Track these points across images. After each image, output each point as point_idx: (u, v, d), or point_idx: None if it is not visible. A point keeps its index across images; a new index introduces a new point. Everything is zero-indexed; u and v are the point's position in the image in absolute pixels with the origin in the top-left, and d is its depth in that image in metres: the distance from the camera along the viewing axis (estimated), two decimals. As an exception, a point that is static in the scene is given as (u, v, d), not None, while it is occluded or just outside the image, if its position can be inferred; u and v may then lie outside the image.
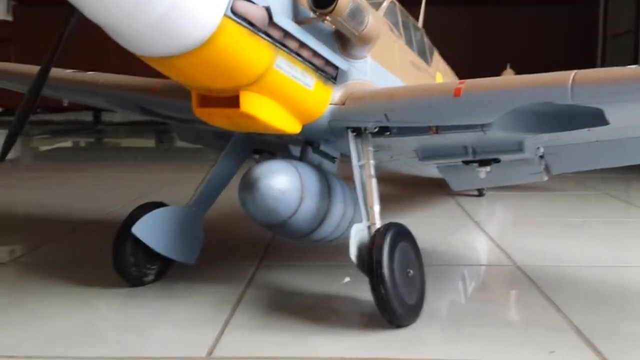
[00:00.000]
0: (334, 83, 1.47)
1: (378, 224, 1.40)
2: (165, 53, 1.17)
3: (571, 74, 1.27)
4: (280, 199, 1.41)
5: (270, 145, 1.78)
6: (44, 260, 1.88)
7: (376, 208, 1.43)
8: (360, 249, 1.34)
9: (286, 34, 1.28)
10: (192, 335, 1.29)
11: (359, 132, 1.50)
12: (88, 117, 8.43)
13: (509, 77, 1.38)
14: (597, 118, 1.37)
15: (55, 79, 1.86)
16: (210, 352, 1.20)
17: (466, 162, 1.72)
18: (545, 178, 1.84)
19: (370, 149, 1.49)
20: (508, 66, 2.87)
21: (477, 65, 3.54)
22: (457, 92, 1.37)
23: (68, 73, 1.87)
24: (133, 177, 3.71)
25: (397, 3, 1.86)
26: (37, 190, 3.24)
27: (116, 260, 1.54)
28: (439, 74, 2.22)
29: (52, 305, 1.44)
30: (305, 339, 1.27)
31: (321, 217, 1.51)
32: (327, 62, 1.41)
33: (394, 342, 1.25)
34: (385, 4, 1.80)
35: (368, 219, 1.42)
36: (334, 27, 1.40)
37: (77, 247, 2.02)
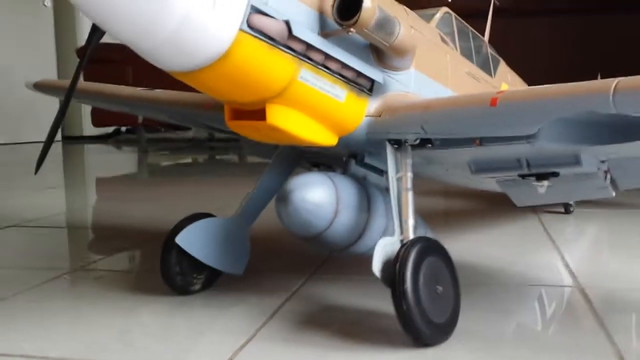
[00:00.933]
0: (370, 95, 1.45)
1: (411, 238, 1.36)
2: (185, 67, 1.20)
3: (614, 81, 1.19)
4: (314, 211, 1.41)
5: (324, 158, 1.78)
6: (113, 267, 1.97)
7: (410, 222, 1.39)
8: (387, 263, 1.31)
9: (309, 46, 1.28)
10: (213, 346, 1.30)
11: (399, 144, 1.47)
12: (204, 134, 8.76)
13: (549, 86, 1.30)
14: None
15: (126, 97, 1.97)
16: (230, 363, 1.21)
17: (522, 176, 1.65)
18: (613, 194, 1.73)
19: (409, 161, 1.46)
20: (599, 76, 2.71)
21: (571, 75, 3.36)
22: (493, 102, 1.32)
23: (137, 91, 1.97)
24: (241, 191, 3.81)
25: (453, 14, 1.82)
26: (144, 202, 3.41)
27: (162, 269, 1.59)
28: (505, 85, 2.14)
29: (98, 312, 1.51)
30: (325, 354, 1.25)
31: (360, 231, 1.49)
32: (360, 74, 1.40)
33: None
34: (438, 15, 1.76)
35: (401, 233, 1.39)
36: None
37: (150, 255, 2.09)
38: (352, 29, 1.28)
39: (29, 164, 5.79)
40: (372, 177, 1.63)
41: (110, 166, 6.16)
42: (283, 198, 1.41)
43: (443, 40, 1.74)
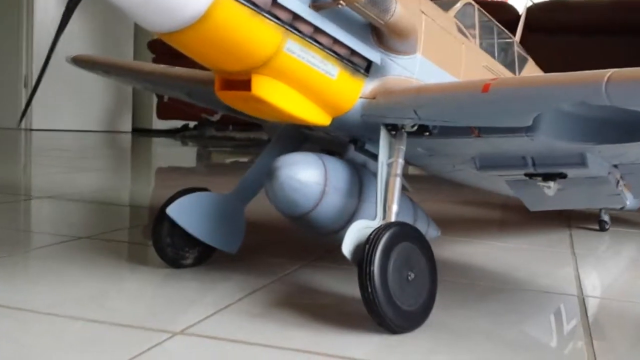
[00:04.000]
0: (366, 76, 1.42)
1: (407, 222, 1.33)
2: (166, 28, 1.19)
3: (608, 72, 1.13)
4: (300, 190, 1.39)
5: (329, 143, 1.75)
6: (122, 239, 2.00)
7: (394, 208, 1.35)
8: (359, 245, 1.27)
9: (296, 16, 1.26)
10: (178, 314, 1.30)
11: (395, 129, 1.44)
12: (264, 135, 8.86)
13: (543, 75, 1.25)
14: None
15: (147, 73, 2.00)
16: (186, 329, 1.20)
17: (529, 176, 1.58)
18: (627, 202, 1.64)
19: (402, 147, 1.42)
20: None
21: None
22: (485, 88, 1.27)
23: (158, 67, 1.99)
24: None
25: (476, 6, 1.77)
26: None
27: (154, 239, 1.60)
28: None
29: (86, 275, 1.53)
30: (285, 331, 1.22)
31: (349, 216, 1.46)
32: (354, 52, 1.37)
33: (371, 344, 1.17)
34: (458, 5, 1.72)
35: (384, 218, 1.35)
36: None
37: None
38: (342, 2, 1.25)
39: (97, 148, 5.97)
40: (373, 164, 1.60)
41: (172, 159, 6.29)
42: (270, 174, 1.40)
43: (460, 30, 1.69)
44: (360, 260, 1.22)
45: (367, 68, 1.42)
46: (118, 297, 1.40)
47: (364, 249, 1.22)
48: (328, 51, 1.33)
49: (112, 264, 1.64)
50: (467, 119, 1.36)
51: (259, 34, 1.23)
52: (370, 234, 1.24)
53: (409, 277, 1.26)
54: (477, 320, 1.37)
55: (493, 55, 1.82)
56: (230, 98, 1.38)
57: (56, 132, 8.14)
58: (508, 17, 3.76)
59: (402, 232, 1.27)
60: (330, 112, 1.42)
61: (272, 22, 1.23)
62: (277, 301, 1.40)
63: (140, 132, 9.67)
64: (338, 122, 1.46)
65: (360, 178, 1.50)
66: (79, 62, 2.31)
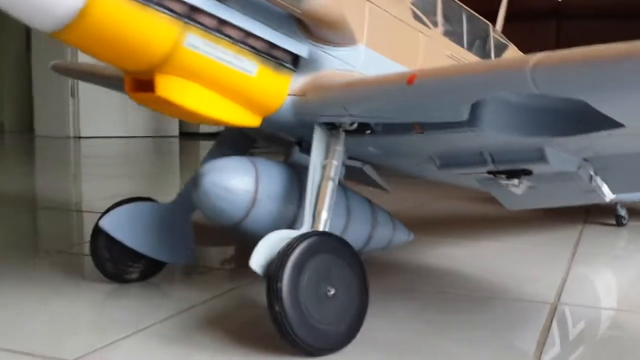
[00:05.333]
0: (294, 71, 1.30)
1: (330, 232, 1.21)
2: (49, 26, 1.09)
3: (533, 56, 0.99)
4: (226, 198, 1.28)
5: (278, 142, 1.63)
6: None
7: (323, 215, 1.23)
8: (270, 259, 1.15)
9: (194, 8, 1.15)
10: (92, 338, 1.20)
11: (334, 127, 1.31)
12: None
13: (471, 63, 1.11)
14: (608, 118, 1.06)
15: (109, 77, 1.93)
16: (81, 357, 1.10)
17: (492, 173, 1.43)
18: (606, 199, 1.46)
19: (339, 148, 1.30)
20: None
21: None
22: (410, 80, 1.13)
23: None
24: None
25: (437, -9, 1.62)
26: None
27: (91, 254, 1.51)
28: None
29: (17, 293, 1.45)
30: (190, 355, 1.12)
31: (287, 224, 1.34)
32: (274, 45, 1.25)
33: None
34: (416, -9, 1.57)
35: (312, 226, 1.22)
36: None
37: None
38: None
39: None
40: None
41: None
42: (195, 182, 1.30)
43: (417, 17, 1.55)
44: (268, 276, 1.10)
45: (294, 62, 1.30)
46: (39, 319, 1.31)
47: (273, 263, 1.10)
48: (242, 45, 1.21)
49: (56, 280, 1.56)
50: (399, 114, 1.22)
51: (150, 29, 1.12)
52: (283, 246, 1.12)
53: (329, 293, 1.13)
54: (419, 333, 1.25)
55: (461, 43, 1.67)
56: (142, 100, 1.27)
57: (104, 139, 8.25)
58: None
59: (321, 243, 1.14)
60: (257, 111, 1.30)
61: (165, 15, 1.12)
62: (207, 321, 1.29)
63: (188, 136, 9.72)
64: (271, 122, 1.34)
65: (303, 183, 1.38)
66: (58, 69, 2.26)
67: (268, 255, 1.14)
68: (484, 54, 1.77)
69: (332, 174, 1.26)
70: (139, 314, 1.33)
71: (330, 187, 1.25)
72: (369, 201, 1.54)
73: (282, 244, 1.13)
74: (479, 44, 1.76)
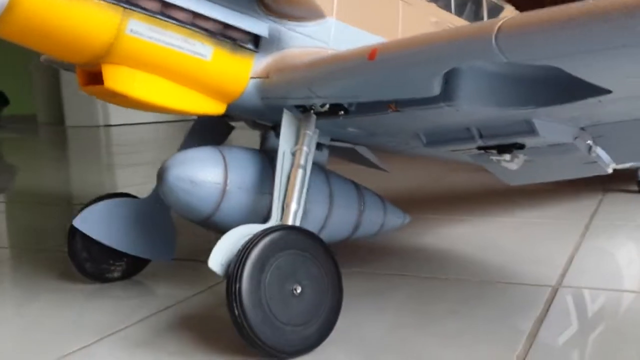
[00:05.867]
0: (255, 52, 1.21)
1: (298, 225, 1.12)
2: None
3: (498, 21, 0.88)
4: (192, 191, 1.21)
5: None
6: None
7: (293, 207, 1.14)
8: (230, 257, 1.07)
9: None
10: (59, 345, 1.14)
11: (305, 110, 1.22)
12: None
13: (435, 32, 1.00)
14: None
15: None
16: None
17: (482, 149, 1.32)
18: (609, 170, 1.34)
19: (310, 132, 1.21)
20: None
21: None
22: (372, 55, 1.04)
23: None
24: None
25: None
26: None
27: (69, 255, 1.46)
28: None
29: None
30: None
31: (263, 217, 1.26)
32: (228, 26, 1.16)
33: None
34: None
35: (280, 219, 1.14)
36: None
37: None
38: None
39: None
40: None
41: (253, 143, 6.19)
42: (159, 176, 1.23)
43: (396, -16, 1.43)
44: (227, 276, 1.03)
45: (255, 42, 1.21)
46: (8, 324, 1.26)
47: (233, 262, 1.03)
48: (191, 28, 1.13)
49: (40, 280, 1.51)
50: (366, 92, 1.13)
51: (87, 18, 1.05)
52: (242, 245, 1.04)
53: (295, 292, 1.04)
54: (399, 327, 1.17)
55: (448, 8, 1.55)
56: (95, 93, 1.20)
57: (133, 126, 8.25)
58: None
59: (285, 239, 1.06)
60: (218, 98, 1.22)
61: (102, 2, 1.04)
62: (180, 323, 1.22)
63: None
64: (237, 108, 1.26)
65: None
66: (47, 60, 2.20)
67: (229, 253, 1.06)
68: (476, 18, 1.65)
69: (302, 161, 1.17)
70: (114, 316, 1.27)
71: (300, 175, 1.16)
72: (356, 185, 1.45)
73: (244, 240, 1.05)
74: (470, 7, 1.64)
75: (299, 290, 1.05)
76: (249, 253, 1.02)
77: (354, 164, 1.75)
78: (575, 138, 1.25)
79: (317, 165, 1.37)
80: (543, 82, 1.05)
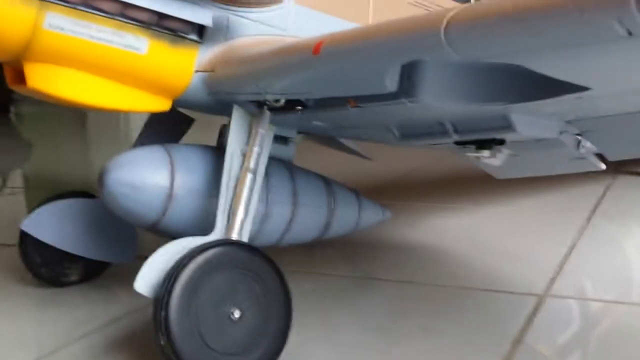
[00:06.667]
0: (199, 43, 1.09)
1: (235, 239, 1.01)
2: None
3: (448, 12, 0.75)
4: (133, 197, 1.10)
5: None
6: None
7: (240, 216, 1.03)
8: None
9: None
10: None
11: (259, 106, 1.10)
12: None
13: (383, 22, 0.87)
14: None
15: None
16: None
17: (459, 144, 1.20)
18: (602, 166, 1.21)
19: (262, 131, 1.08)
20: None
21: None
22: (316, 49, 0.91)
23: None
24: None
25: None
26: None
27: (22, 259, 1.36)
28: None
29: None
30: None
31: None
32: (164, 16, 1.04)
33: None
34: None
35: (225, 230, 1.03)
36: None
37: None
38: None
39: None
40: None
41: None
42: (99, 179, 1.12)
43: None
44: (154, 301, 0.92)
45: (199, 32, 1.08)
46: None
47: (160, 285, 0.92)
48: (121, 19, 1.01)
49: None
50: (306, 87, 1.01)
51: None
52: (171, 265, 0.93)
53: (233, 316, 0.94)
54: (361, 346, 1.06)
55: (428, -16, 1.40)
56: (24, 92, 1.09)
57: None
58: None
59: (223, 256, 0.95)
60: (160, 94, 1.11)
61: None
62: (125, 339, 1.12)
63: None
64: (185, 104, 1.15)
65: None
66: None
67: (160, 272, 0.95)
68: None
69: (251, 164, 1.06)
70: (63, 328, 1.18)
71: (249, 180, 1.05)
72: (325, 181, 1.33)
73: (175, 258, 0.94)
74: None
75: (237, 315, 0.94)
76: (178, 275, 0.91)
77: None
78: (561, 133, 1.12)
79: (280, 162, 1.26)
80: (516, 76, 0.92)
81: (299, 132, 1.34)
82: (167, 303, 0.90)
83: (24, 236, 1.34)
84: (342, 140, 1.61)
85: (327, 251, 1.52)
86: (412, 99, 0.96)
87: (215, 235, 1.03)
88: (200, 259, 0.93)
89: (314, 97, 1.04)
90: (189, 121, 1.39)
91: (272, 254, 1.39)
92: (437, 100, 0.96)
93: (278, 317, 0.97)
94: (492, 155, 1.19)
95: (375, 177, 2.25)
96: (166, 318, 0.89)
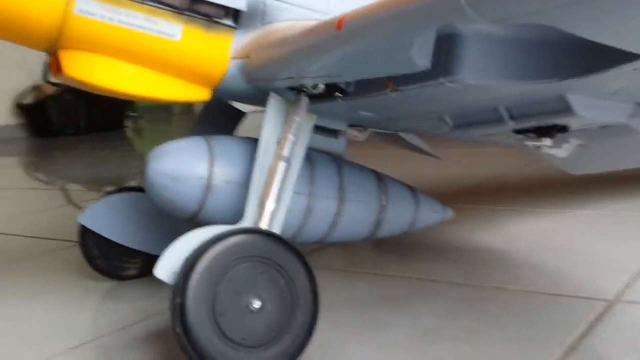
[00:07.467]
0: (235, 28, 1.06)
1: (264, 229, 0.97)
2: None
3: None
4: (172, 188, 1.09)
5: None
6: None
7: (270, 206, 0.98)
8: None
9: None
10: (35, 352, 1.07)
11: (297, 93, 1.06)
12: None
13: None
14: None
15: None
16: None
17: (520, 133, 1.10)
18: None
19: (298, 118, 1.04)
20: None
21: None
22: (339, 25, 0.86)
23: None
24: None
25: None
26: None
27: (82, 252, 1.39)
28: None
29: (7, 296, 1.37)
30: None
31: None
32: (197, 0, 1.02)
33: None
34: None
35: (256, 220, 0.99)
36: None
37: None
38: None
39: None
40: (316, 140, 1.21)
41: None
42: (143, 170, 1.12)
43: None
44: (172, 289, 0.89)
45: (234, 18, 1.06)
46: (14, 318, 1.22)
47: (178, 273, 0.89)
48: (153, 5, 1.00)
49: (71, 278, 1.45)
50: (347, 69, 0.95)
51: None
52: (191, 253, 0.90)
53: (252, 307, 0.89)
54: (409, 334, 1.01)
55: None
56: (67, 81, 1.10)
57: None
58: None
59: (245, 245, 0.91)
60: (198, 83, 1.09)
61: None
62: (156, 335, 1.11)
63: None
64: (224, 93, 1.13)
65: None
66: None
67: (180, 259, 0.93)
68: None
69: (285, 152, 1.01)
70: (104, 321, 1.20)
71: (281, 169, 1.00)
72: (378, 177, 1.27)
73: (197, 245, 0.91)
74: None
75: (257, 306, 0.89)
76: (196, 262, 0.88)
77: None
78: (631, 117, 1.00)
79: (328, 156, 1.21)
80: (567, 48, 0.83)
81: (351, 126, 1.29)
82: (184, 290, 0.87)
83: (85, 230, 1.36)
84: (409, 139, 1.54)
85: (384, 251, 1.45)
86: (451, 78, 0.89)
87: (244, 224, 0.99)
88: (219, 246, 0.89)
89: (346, 79, 0.98)
90: (241, 115, 1.37)
91: (324, 252, 1.34)
92: (479, 78, 0.88)
93: (302, 312, 0.92)
94: (556, 145, 1.09)
95: (458, 182, 2.16)
96: (182, 306, 0.86)
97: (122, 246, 1.36)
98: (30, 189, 3.18)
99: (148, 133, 5.84)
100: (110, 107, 4.95)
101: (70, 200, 2.67)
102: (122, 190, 1.39)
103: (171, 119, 8.85)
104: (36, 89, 5.37)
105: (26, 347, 1.09)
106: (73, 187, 3.14)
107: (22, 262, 1.62)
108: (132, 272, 1.39)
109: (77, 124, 5.37)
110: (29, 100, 5.45)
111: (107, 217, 1.35)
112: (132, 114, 6.31)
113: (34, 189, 3.24)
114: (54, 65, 1.10)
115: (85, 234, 1.36)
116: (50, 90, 5.22)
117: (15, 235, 1.91)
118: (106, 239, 1.35)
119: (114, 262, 1.38)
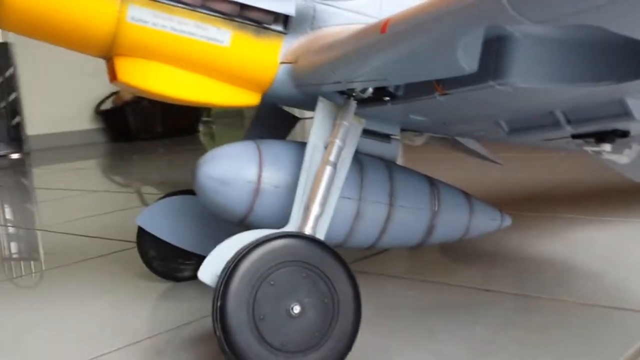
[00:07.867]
0: (284, 33, 1.06)
1: (307, 234, 0.96)
2: None
3: None
4: (221, 191, 1.10)
5: None
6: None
7: (315, 210, 0.98)
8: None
9: None
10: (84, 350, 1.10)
11: (346, 97, 1.06)
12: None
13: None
14: None
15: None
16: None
17: (579, 138, 1.06)
18: None
19: (346, 123, 1.03)
20: None
21: None
22: (383, 28, 0.85)
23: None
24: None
25: None
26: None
27: (139, 253, 1.42)
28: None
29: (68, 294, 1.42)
30: None
31: None
32: (246, 6, 1.03)
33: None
34: None
35: (300, 224, 0.98)
36: None
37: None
38: None
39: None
40: (367, 144, 1.20)
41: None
42: (193, 173, 1.13)
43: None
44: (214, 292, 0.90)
45: (283, 24, 1.06)
46: (47, 328, 1.24)
47: (219, 275, 0.90)
48: (202, 11, 1.01)
49: (129, 278, 1.49)
50: (392, 72, 0.94)
51: (82, 6, 0.98)
52: (232, 256, 0.90)
53: (292, 312, 0.89)
54: (456, 341, 0.98)
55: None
56: (121, 87, 1.13)
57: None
58: None
59: (287, 250, 0.91)
60: (248, 87, 1.09)
61: None
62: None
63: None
64: (273, 98, 1.13)
65: None
66: None
67: (223, 262, 0.93)
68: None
69: (332, 157, 1.01)
70: (152, 323, 1.22)
71: (327, 174, 1.00)
72: (431, 182, 1.24)
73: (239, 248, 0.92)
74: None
75: (297, 310, 0.89)
76: (237, 265, 0.88)
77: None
78: (694, 120, 0.95)
79: (379, 160, 1.20)
80: (622, 50, 0.80)
81: (405, 130, 1.27)
82: (224, 293, 0.87)
83: (142, 232, 1.39)
84: (467, 143, 1.51)
85: (439, 258, 1.43)
86: (500, 80, 0.86)
87: (288, 228, 0.99)
88: (260, 250, 0.89)
89: (392, 82, 0.97)
90: (294, 119, 1.37)
91: (375, 259, 1.31)
92: (530, 81, 0.86)
93: (343, 319, 0.91)
94: (617, 151, 1.05)
95: (522, 189, 2.10)
96: (222, 309, 0.87)
97: (178, 247, 1.39)
98: (107, 191, 3.29)
99: (220, 137, 5.97)
100: (184, 112, 5.08)
101: (144, 202, 2.74)
102: (178, 192, 1.41)
103: (243, 123, 9.01)
104: (115, 95, 5.56)
105: (78, 344, 1.13)
106: (147, 190, 3.24)
107: (87, 262, 1.67)
108: (187, 274, 1.41)
109: (153, 128, 5.54)
110: (107, 106, 5.66)
111: (162, 219, 1.37)
112: (205, 118, 6.46)
113: (111, 191, 3.36)
114: (110, 71, 1.13)
115: (142, 235, 1.39)
116: (128, 96, 5.40)
117: (83, 235, 1.98)
118: (162, 240, 1.38)
119: (170, 264, 1.41)
